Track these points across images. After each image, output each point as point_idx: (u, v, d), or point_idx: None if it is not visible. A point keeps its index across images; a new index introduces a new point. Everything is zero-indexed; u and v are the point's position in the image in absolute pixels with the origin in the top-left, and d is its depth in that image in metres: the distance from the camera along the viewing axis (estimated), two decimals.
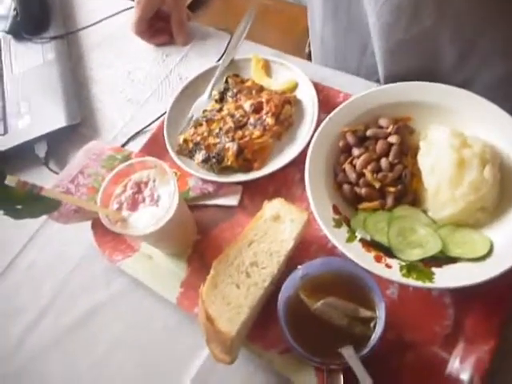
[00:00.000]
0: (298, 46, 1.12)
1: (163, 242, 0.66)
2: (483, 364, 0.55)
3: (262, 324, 0.60)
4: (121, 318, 0.67)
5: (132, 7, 1.00)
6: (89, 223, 0.71)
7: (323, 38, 0.91)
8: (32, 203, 0.52)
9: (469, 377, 0.54)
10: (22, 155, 0.82)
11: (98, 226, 0.71)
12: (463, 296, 0.58)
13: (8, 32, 0.99)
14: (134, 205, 0.60)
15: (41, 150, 0.82)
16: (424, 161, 0.63)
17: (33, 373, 0.65)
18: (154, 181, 0.61)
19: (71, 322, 0.67)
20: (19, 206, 0.52)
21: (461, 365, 0.55)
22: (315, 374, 0.56)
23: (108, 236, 0.70)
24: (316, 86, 0.77)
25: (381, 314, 0.49)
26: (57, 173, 0.80)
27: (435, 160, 0.62)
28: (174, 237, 0.66)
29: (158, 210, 0.58)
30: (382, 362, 0.56)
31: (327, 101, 0.76)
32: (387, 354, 0.56)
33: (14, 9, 0.97)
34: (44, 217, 0.74)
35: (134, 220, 0.59)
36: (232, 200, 0.70)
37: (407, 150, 0.66)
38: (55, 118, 0.85)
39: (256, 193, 0.71)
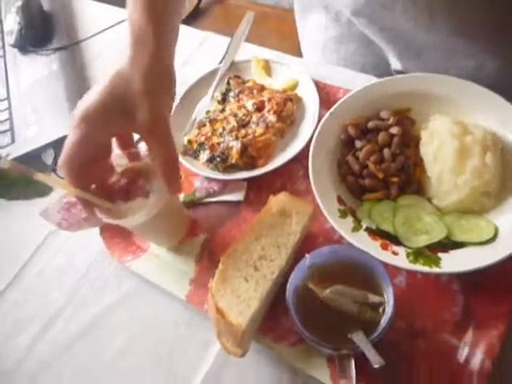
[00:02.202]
0: (297, 50, 1.13)
1: (154, 233, 0.67)
2: (493, 349, 0.55)
3: (273, 317, 0.60)
4: (131, 319, 0.67)
5: None
6: (97, 229, 0.72)
7: None
8: (25, 186, 0.54)
9: (479, 362, 0.54)
10: (29, 163, 0.83)
11: (106, 229, 0.72)
12: (471, 282, 0.58)
13: (14, 45, 1.01)
14: (126, 194, 0.60)
15: (48, 158, 0.84)
16: (426, 150, 0.64)
17: (44, 379, 0.65)
18: (149, 172, 0.61)
19: (81, 328, 0.67)
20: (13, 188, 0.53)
21: (471, 351, 0.55)
22: (327, 365, 0.56)
23: (117, 238, 0.71)
24: (317, 83, 0.78)
25: (389, 298, 0.50)
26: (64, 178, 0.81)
27: (437, 148, 0.63)
28: (164, 229, 0.67)
29: (148, 201, 0.59)
30: (393, 350, 0.56)
31: (328, 98, 0.77)
32: (398, 342, 0.57)
33: (19, 22, 0.99)
34: (50, 227, 0.75)
35: (124, 210, 0.59)
36: (238, 196, 0.71)
37: (409, 141, 0.67)
38: (61, 126, 0.86)
39: (261, 190, 0.72)
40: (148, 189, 0.60)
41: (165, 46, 0.58)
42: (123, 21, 1.01)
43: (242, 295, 0.56)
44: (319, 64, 0.92)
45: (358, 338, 0.48)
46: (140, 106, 0.54)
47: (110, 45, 1.00)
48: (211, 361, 0.61)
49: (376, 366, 0.44)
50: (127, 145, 0.62)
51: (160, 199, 0.59)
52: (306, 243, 0.64)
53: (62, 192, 0.72)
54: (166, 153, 0.56)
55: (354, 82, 0.78)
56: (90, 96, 0.55)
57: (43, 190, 0.58)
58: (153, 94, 0.55)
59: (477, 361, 0.54)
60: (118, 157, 0.61)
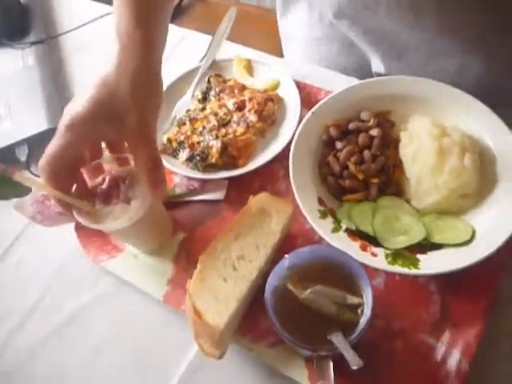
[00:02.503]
0: (280, 50, 1.13)
1: (133, 239, 0.66)
2: (470, 349, 0.55)
3: (251, 317, 0.60)
4: (108, 318, 0.66)
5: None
6: (72, 225, 0.70)
7: None
8: (4, 186, 0.52)
9: (456, 362, 0.55)
10: (2, 159, 0.81)
11: (81, 228, 0.70)
12: (449, 283, 0.59)
13: None
14: (107, 198, 0.59)
15: (22, 154, 0.81)
16: (405, 151, 0.65)
17: (20, 374, 0.63)
18: (132, 178, 0.60)
19: (58, 323, 0.66)
20: None
21: (448, 350, 0.56)
22: (306, 366, 0.56)
23: (93, 237, 0.69)
24: (298, 84, 0.78)
25: (368, 299, 0.49)
26: (38, 176, 0.79)
27: (416, 150, 0.63)
28: (144, 235, 0.65)
29: (129, 207, 0.58)
30: (372, 350, 0.56)
31: (309, 98, 0.77)
32: (376, 342, 0.57)
33: None
34: (26, 220, 0.73)
35: (104, 214, 0.58)
36: (218, 194, 0.70)
37: (389, 142, 0.67)
38: (36, 122, 0.84)
39: (241, 190, 0.71)
40: (130, 195, 0.59)
41: (152, 52, 0.57)
42: (102, 16, 0.99)
43: (220, 295, 0.56)
44: (300, 63, 0.92)
45: (337, 339, 0.47)
46: (127, 111, 0.54)
47: (88, 40, 0.98)
48: (188, 362, 0.61)
49: (354, 368, 0.44)
50: (118, 150, 0.61)
51: (142, 205, 0.58)
52: (286, 244, 0.63)
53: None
54: (152, 157, 0.56)
55: (335, 83, 0.78)
56: (76, 103, 0.55)
57: (23, 190, 0.57)
58: (140, 100, 0.55)
59: (454, 361, 0.55)
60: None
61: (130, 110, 0.54)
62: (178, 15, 1.47)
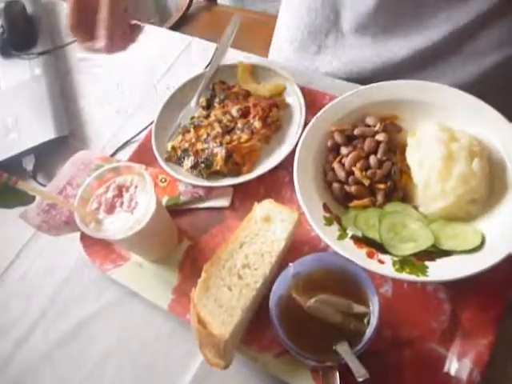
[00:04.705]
0: None
1: (136, 249, 0.66)
2: (482, 358, 0.54)
3: (256, 327, 0.59)
4: (112, 329, 0.66)
5: None
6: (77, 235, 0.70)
7: None
8: (8, 194, 0.52)
9: (468, 372, 0.53)
10: (9, 169, 0.81)
11: (86, 237, 0.70)
12: (458, 290, 0.58)
13: None
14: (111, 208, 0.59)
15: (28, 164, 0.82)
16: (412, 156, 0.64)
17: None
18: (136, 187, 0.60)
19: (62, 335, 0.66)
20: None
21: (459, 360, 0.54)
22: (312, 376, 0.55)
23: (98, 246, 0.69)
24: (302, 89, 0.78)
25: (374, 308, 0.48)
26: (45, 185, 0.79)
27: (423, 155, 0.62)
28: (147, 245, 0.65)
29: (132, 217, 0.58)
30: (380, 360, 0.55)
31: (314, 104, 0.76)
32: (384, 352, 0.56)
33: (1, 26, 0.97)
34: (33, 230, 0.74)
35: (108, 223, 0.58)
36: (223, 201, 0.70)
37: (395, 148, 0.66)
38: (43, 132, 0.84)
39: (246, 197, 0.71)
40: (133, 204, 0.59)
41: None
42: None
43: (224, 304, 0.55)
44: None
45: (343, 350, 0.46)
46: None
47: None
48: (193, 373, 0.60)
49: (360, 380, 0.43)
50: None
51: (145, 215, 0.58)
52: (291, 251, 0.62)
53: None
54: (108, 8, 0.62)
55: (340, 88, 0.78)
56: None
57: (26, 199, 0.57)
58: None
59: (465, 371, 0.54)
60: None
61: None
62: (183, 24, 1.47)
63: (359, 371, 0.43)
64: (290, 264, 0.52)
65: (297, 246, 0.64)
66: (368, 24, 0.81)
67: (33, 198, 0.58)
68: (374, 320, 0.48)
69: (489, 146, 0.64)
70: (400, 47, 0.81)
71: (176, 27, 1.47)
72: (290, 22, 0.94)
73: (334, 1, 0.83)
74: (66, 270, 0.71)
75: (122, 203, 0.60)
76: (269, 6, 1.75)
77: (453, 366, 0.54)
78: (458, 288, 0.57)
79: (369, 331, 0.47)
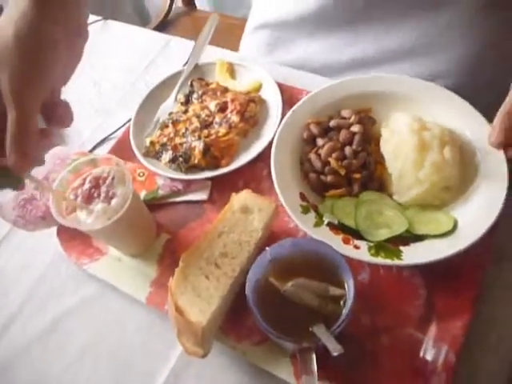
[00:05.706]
0: None
1: (114, 240, 0.65)
2: (457, 340, 0.55)
3: (235, 316, 0.59)
4: (90, 323, 0.65)
5: (99, 20, 1.02)
6: (54, 229, 0.70)
7: None
8: None
9: (444, 354, 0.54)
10: None
11: (63, 231, 0.69)
12: (433, 275, 0.59)
13: None
14: (88, 199, 0.59)
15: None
16: (386, 147, 0.65)
17: (2, 381, 0.62)
18: (113, 178, 0.60)
19: (40, 329, 0.65)
20: None
21: (435, 343, 0.55)
22: (291, 363, 0.55)
23: (75, 240, 0.69)
24: (280, 85, 0.79)
25: (350, 289, 0.49)
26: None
27: (397, 145, 0.63)
28: (125, 237, 0.65)
29: (109, 208, 0.58)
30: (358, 346, 0.55)
31: (291, 99, 0.78)
32: (362, 338, 0.56)
33: None
34: (9, 226, 0.73)
35: (85, 214, 0.58)
36: (202, 195, 0.70)
37: (370, 139, 0.68)
38: None
39: (225, 190, 0.71)
40: (111, 194, 0.59)
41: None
42: (90, 24, 0.99)
43: (202, 293, 0.55)
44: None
45: (319, 331, 0.47)
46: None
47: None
48: (173, 363, 0.59)
49: (335, 354, 0.43)
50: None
51: (121, 205, 0.58)
52: (270, 242, 0.62)
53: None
54: (18, 123, 0.46)
55: (316, 84, 0.79)
56: None
57: (15, 181, 0.54)
58: (22, 53, 0.46)
59: (441, 353, 0.54)
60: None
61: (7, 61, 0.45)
62: (163, 29, 1.48)
63: (335, 347, 0.43)
64: (267, 248, 0.52)
65: (275, 236, 0.64)
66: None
67: (22, 180, 0.55)
68: (349, 301, 0.48)
69: (460, 136, 0.65)
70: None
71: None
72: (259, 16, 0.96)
73: None
74: (43, 265, 0.70)
75: (99, 194, 0.60)
76: (249, 12, 1.77)
77: (429, 349, 0.55)
78: (433, 273, 0.58)
79: (344, 311, 0.48)
